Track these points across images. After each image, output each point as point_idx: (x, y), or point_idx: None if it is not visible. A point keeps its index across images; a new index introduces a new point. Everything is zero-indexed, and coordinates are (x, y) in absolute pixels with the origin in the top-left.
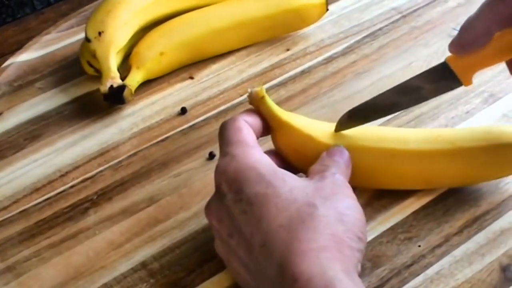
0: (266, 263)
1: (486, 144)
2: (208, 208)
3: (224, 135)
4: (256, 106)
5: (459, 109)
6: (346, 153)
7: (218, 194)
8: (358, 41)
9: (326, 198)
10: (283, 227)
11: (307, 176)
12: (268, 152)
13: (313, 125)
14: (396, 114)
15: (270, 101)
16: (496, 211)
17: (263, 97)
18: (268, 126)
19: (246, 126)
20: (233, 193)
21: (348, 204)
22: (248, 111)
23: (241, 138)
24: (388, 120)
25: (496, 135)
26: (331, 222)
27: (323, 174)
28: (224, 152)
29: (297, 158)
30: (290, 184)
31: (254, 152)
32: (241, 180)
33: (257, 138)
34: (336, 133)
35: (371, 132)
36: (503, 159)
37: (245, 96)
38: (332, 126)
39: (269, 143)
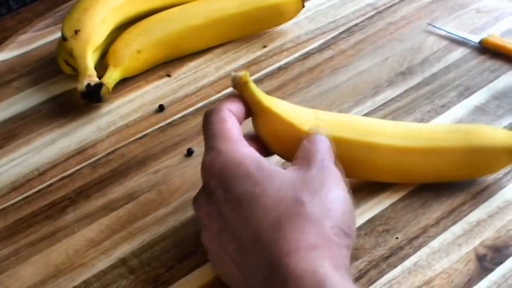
0: (256, 261)
1: (465, 144)
2: (196, 202)
3: (209, 128)
4: (239, 91)
5: (435, 103)
6: (327, 141)
7: (207, 190)
8: (334, 37)
9: (314, 191)
10: (272, 228)
11: (291, 163)
12: (249, 137)
13: (297, 112)
14: (372, 108)
15: (253, 87)
16: (473, 202)
17: (246, 82)
18: (250, 111)
19: (231, 117)
20: (221, 191)
21: (336, 196)
22: (231, 97)
23: (226, 132)
24: (364, 114)
25: (475, 136)
26: (318, 219)
27: (310, 162)
28: (209, 146)
29: (278, 145)
30: (278, 180)
31: (240, 147)
32: (228, 177)
33: (240, 124)
34: (317, 121)
35: (351, 124)
36: (481, 161)
37: (222, 93)
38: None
39: (249, 127)
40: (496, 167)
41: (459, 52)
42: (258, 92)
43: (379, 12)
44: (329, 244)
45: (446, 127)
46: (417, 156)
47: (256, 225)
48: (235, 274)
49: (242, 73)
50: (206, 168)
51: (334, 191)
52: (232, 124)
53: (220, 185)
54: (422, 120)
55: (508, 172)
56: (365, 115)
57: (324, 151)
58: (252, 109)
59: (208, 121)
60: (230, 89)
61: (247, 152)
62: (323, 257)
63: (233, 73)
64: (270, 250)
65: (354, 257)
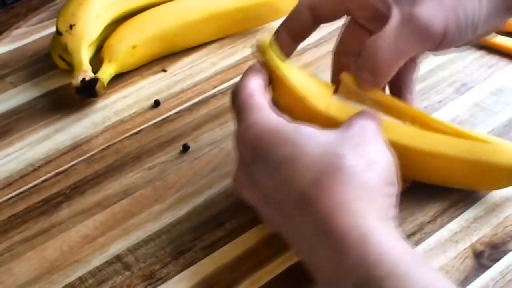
0: (301, 222)
1: (469, 157)
2: (236, 180)
3: (237, 104)
4: (262, 55)
5: (431, 99)
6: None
7: (243, 163)
8: (330, 33)
9: (354, 146)
10: (314, 184)
11: None
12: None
13: (314, 87)
14: None
15: (274, 53)
16: (470, 199)
17: (267, 48)
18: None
19: (256, 89)
20: (258, 160)
21: (377, 150)
22: (253, 68)
23: (255, 103)
24: None
25: (481, 150)
26: (361, 171)
27: (350, 123)
28: (239, 120)
29: (290, 116)
30: (316, 139)
31: (270, 115)
32: (264, 146)
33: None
34: (333, 102)
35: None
36: (482, 175)
37: (218, 88)
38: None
39: None
40: (499, 185)
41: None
42: (277, 59)
43: None
44: (373, 195)
45: (453, 131)
46: (419, 158)
47: (297, 186)
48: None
49: (263, 42)
50: (240, 142)
51: (375, 145)
52: (259, 96)
53: (257, 156)
54: None
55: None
56: None
57: (367, 114)
58: (270, 75)
59: (236, 98)
60: (226, 84)
61: (278, 119)
62: (367, 210)
63: (257, 40)
64: (313, 209)
65: None
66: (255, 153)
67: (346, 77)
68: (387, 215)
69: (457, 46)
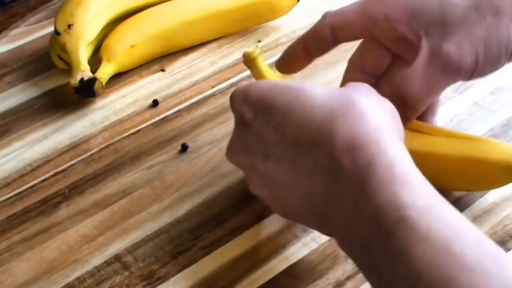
0: (316, 161)
1: (462, 154)
2: (230, 151)
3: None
4: (248, 67)
5: None
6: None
7: (241, 126)
8: None
9: (361, 92)
10: (327, 120)
11: None
12: None
13: None
14: None
15: (260, 64)
16: (468, 198)
17: (253, 59)
18: None
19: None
20: (261, 113)
21: (379, 97)
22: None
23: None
24: None
25: (475, 147)
26: (373, 107)
27: (349, 83)
28: (236, 90)
29: None
30: (320, 88)
31: (268, 79)
32: (267, 98)
33: None
34: None
35: None
36: (477, 174)
37: (217, 87)
38: None
39: None
40: (494, 184)
41: None
42: (265, 70)
43: None
44: (388, 127)
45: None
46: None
47: (309, 124)
48: (300, 201)
49: (251, 49)
50: (240, 99)
51: (379, 96)
52: None
53: (260, 109)
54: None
55: None
56: None
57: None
58: None
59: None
60: (225, 84)
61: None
62: (386, 139)
63: (244, 51)
64: (330, 142)
65: None
66: (258, 106)
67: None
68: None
69: (495, 71)
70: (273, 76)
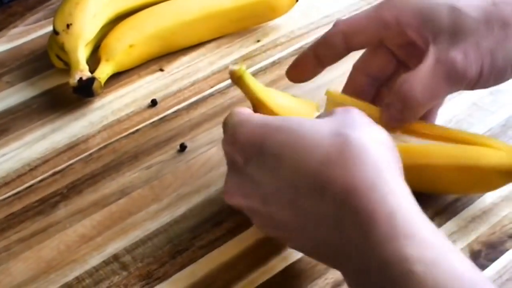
0: (318, 208)
1: (457, 162)
2: (227, 192)
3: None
4: (236, 84)
5: None
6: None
7: (234, 169)
8: None
9: (353, 126)
10: (324, 164)
11: None
12: None
13: (295, 108)
14: None
15: (248, 80)
16: (467, 198)
17: (240, 77)
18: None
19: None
20: (252, 158)
21: (372, 127)
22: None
23: (239, 113)
24: None
25: (468, 154)
26: (368, 144)
27: (338, 110)
28: (225, 130)
29: None
30: (310, 124)
31: (255, 114)
32: (256, 140)
33: None
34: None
35: None
36: (472, 180)
37: (215, 87)
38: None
39: None
40: (492, 187)
41: None
42: (254, 86)
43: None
44: (386, 164)
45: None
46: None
47: (306, 170)
48: (310, 243)
49: (236, 67)
50: (229, 144)
51: (374, 127)
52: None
53: (251, 153)
54: None
55: None
56: None
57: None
58: (250, 102)
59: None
60: (223, 84)
61: (264, 116)
62: (386, 180)
63: (230, 67)
64: (329, 190)
65: None
66: (249, 151)
67: (330, 94)
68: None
69: (499, 83)
70: (262, 92)
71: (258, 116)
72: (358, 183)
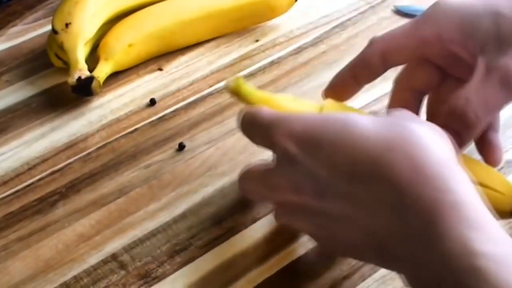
0: (376, 195)
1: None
2: (272, 189)
3: (262, 121)
4: (235, 97)
5: None
6: None
7: (285, 162)
8: (327, 32)
9: (412, 119)
10: (383, 150)
11: None
12: None
13: (302, 108)
14: (365, 103)
15: (246, 92)
16: None
17: (238, 91)
18: None
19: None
20: (308, 147)
21: (433, 125)
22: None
23: (282, 113)
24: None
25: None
26: (430, 136)
27: (391, 110)
28: (274, 127)
29: None
30: (368, 117)
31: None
32: (314, 131)
33: None
34: None
35: None
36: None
37: (214, 87)
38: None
39: None
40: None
41: None
42: (253, 96)
43: (372, 7)
44: (448, 157)
45: None
46: None
47: (366, 153)
48: (358, 237)
49: (232, 83)
50: (283, 135)
51: (421, 120)
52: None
53: (305, 144)
54: None
55: (502, 168)
56: (361, 107)
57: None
58: None
59: (257, 117)
60: (222, 83)
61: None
62: (450, 170)
63: (226, 82)
64: (388, 179)
65: None
66: (304, 141)
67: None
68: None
69: None
70: (263, 99)
71: (308, 114)
72: (422, 170)
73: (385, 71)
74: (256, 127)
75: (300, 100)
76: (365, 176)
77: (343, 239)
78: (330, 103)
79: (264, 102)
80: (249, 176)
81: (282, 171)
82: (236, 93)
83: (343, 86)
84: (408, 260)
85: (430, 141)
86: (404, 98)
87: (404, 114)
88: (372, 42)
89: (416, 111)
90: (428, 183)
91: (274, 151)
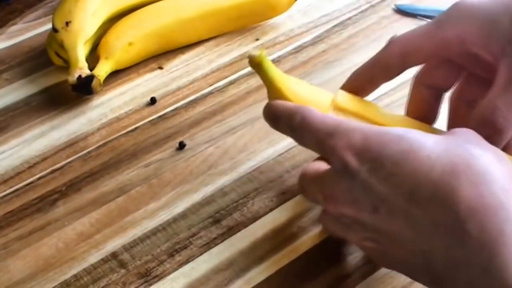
0: (436, 219)
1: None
2: (331, 201)
3: (318, 129)
4: (255, 70)
5: None
6: None
7: (345, 175)
8: (327, 31)
9: (478, 144)
10: (447, 174)
11: None
12: None
13: (311, 97)
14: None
15: (267, 67)
16: None
17: (259, 63)
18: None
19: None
20: (369, 162)
21: (496, 149)
22: None
23: (338, 120)
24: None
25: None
26: (494, 163)
27: (456, 130)
28: (332, 136)
29: None
30: (433, 137)
31: (362, 124)
32: (375, 146)
33: None
34: (332, 110)
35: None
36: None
37: (214, 86)
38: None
39: None
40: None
41: None
42: (272, 72)
43: (372, 6)
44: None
45: None
46: None
47: (428, 176)
48: (412, 257)
49: (256, 53)
50: (342, 148)
51: (488, 145)
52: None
53: (366, 159)
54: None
55: None
56: None
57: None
58: (267, 89)
59: (312, 128)
60: (222, 82)
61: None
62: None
63: (249, 52)
64: (451, 205)
65: (347, 253)
66: (365, 155)
67: (340, 92)
68: None
69: None
70: (280, 79)
71: (368, 125)
72: (487, 198)
73: (403, 71)
74: (307, 134)
75: (314, 87)
76: (425, 198)
77: (397, 257)
78: (342, 95)
79: (280, 81)
80: (307, 177)
81: (339, 181)
82: (258, 63)
83: (359, 86)
84: (462, 285)
85: (495, 169)
86: (423, 95)
87: (468, 136)
88: (390, 43)
89: (436, 108)
90: (493, 213)
91: (331, 159)
